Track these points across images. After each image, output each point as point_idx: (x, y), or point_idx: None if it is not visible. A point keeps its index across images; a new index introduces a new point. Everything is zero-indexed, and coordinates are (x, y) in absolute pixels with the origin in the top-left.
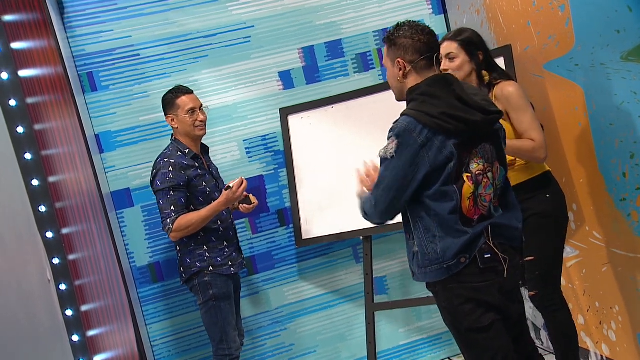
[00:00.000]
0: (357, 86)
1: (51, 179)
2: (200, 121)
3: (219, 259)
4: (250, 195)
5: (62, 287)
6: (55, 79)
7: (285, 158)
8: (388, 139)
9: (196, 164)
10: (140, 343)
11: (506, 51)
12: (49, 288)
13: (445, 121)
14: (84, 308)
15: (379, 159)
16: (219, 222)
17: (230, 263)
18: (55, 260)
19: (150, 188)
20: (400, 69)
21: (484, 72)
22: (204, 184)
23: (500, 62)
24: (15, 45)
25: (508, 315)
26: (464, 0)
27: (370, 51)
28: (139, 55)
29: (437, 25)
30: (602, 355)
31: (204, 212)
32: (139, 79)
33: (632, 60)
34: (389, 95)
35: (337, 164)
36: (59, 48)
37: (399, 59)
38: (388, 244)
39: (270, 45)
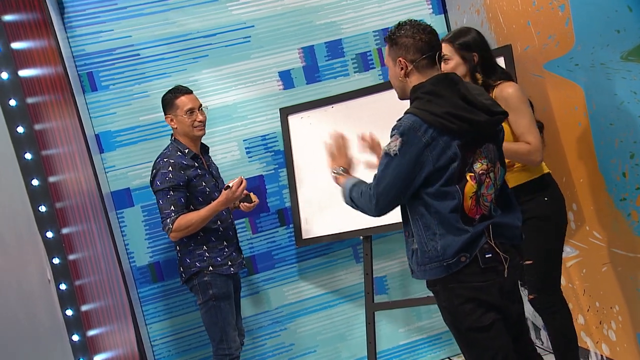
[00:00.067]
0: (357, 86)
1: (51, 179)
2: (199, 121)
3: (219, 259)
4: (251, 194)
5: (62, 287)
6: (55, 79)
7: (285, 158)
8: (391, 136)
9: (196, 164)
10: (140, 343)
11: (506, 51)
12: (49, 288)
13: (450, 121)
14: (84, 308)
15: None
16: (219, 222)
17: (230, 263)
18: (55, 260)
19: (150, 188)
20: (402, 68)
21: (477, 75)
22: (204, 183)
23: (500, 62)
24: (15, 45)
25: (508, 315)
26: (464, 0)
27: (370, 51)
28: (138, 55)
29: (437, 25)
30: (602, 355)
31: (204, 211)
32: (138, 79)
33: (632, 60)
34: (389, 95)
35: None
36: (59, 48)
37: (400, 58)
38: (388, 243)
39: (270, 45)
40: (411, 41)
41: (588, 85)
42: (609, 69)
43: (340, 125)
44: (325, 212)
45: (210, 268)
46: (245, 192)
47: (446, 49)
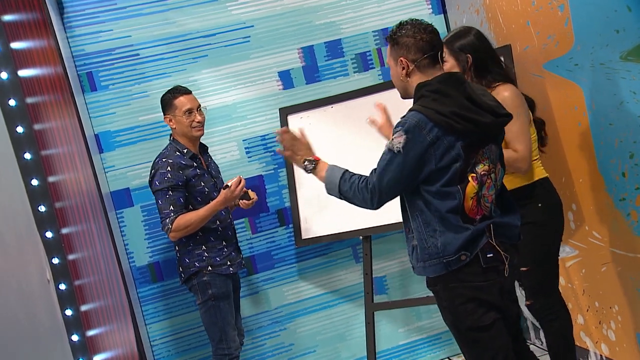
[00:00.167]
0: (356, 86)
1: (51, 179)
2: (198, 122)
3: (218, 259)
4: (249, 191)
5: (62, 287)
6: (55, 79)
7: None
8: (395, 132)
9: (194, 164)
10: (140, 343)
11: (506, 51)
12: (49, 288)
13: (455, 121)
14: (83, 308)
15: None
16: (218, 222)
17: (229, 263)
18: (55, 260)
19: (149, 188)
20: (403, 68)
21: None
22: (202, 183)
23: None
24: (15, 45)
25: (508, 314)
26: (463, 0)
27: (369, 51)
28: (138, 55)
29: (436, 25)
30: (601, 355)
31: (203, 211)
32: (138, 79)
33: (631, 60)
34: (389, 95)
35: (337, 164)
36: (58, 48)
37: (401, 58)
38: (388, 243)
39: (269, 45)
40: (412, 41)
41: (588, 85)
42: (608, 69)
43: (340, 125)
44: (324, 212)
45: (209, 268)
46: (244, 189)
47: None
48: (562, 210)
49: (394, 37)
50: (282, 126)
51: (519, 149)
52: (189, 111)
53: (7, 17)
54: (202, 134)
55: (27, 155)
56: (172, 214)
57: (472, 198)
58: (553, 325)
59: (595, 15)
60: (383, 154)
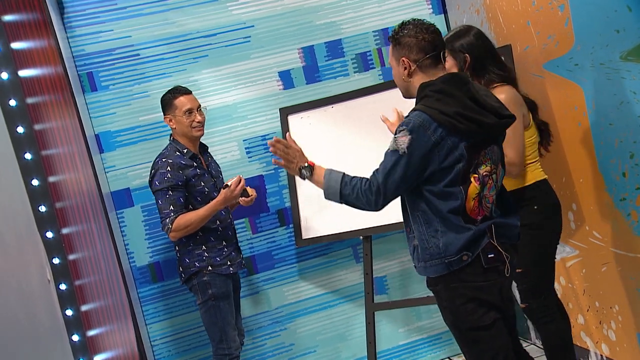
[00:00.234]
0: (357, 86)
1: (51, 179)
2: (198, 122)
3: (218, 259)
4: (248, 188)
5: (62, 287)
6: (55, 79)
7: None
8: (399, 132)
9: (194, 164)
10: (140, 343)
11: (506, 51)
12: (49, 288)
13: (459, 121)
14: (84, 308)
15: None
16: (218, 222)
17: (229, 262)
18: (55, 260)
19: (149, 188)
20: (405, 68)
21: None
22: (202, 183)
23: None
24: (15, 45)
25: (507, 314)
26: (463, 0)
27: (370, 51)
28: (138, 55)
29: (436, 25)
30: (601, 355)
31: (203, 211)
32: (138, 79)
33: (631, 60)
34: (389, 95)
35: (337, 164)
36: (58, 48)
37: (403, 58)
38: (388, 243)
39: (270, 45)
40: (414, 41)
41: (588, 85)
42: (608, 69)
43: (340, 125)
44: (325, 212)
45: (210, 268)
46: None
47: None
48: (560, 212)
49: (396, 37)
50: (282, 126)
51: (509, 154)
52: (189, 111)
53: (8, 17)
54: (202, 134)
55: (28, 155)
56: (172, 214)
57: (474, 199)
58: (549, 327)
59: (595, 15)
60: (387, 154)
